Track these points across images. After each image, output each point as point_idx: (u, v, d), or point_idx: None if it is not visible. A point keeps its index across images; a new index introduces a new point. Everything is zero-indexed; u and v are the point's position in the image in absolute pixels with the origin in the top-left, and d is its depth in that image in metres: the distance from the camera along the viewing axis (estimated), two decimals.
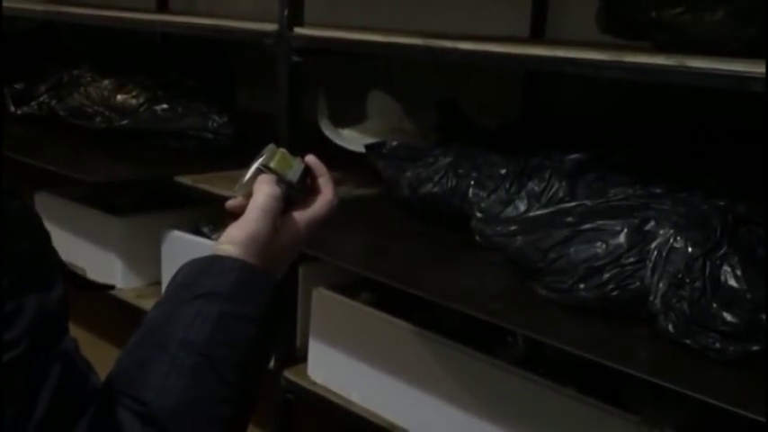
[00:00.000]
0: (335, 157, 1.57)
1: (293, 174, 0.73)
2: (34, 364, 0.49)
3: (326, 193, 0.75)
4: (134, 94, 1.80)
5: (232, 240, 0.66)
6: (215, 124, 1.74)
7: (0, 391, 0.47)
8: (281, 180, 0.71)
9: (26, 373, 0.49)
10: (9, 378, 0.48)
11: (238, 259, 0.64)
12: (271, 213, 0.68)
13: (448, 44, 1.09)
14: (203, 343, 0.58)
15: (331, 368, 1.35)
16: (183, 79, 1.81)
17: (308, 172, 0.75)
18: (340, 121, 1.54)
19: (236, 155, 1.77)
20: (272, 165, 0.71)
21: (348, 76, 1.66)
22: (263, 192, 0.69)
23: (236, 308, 0.61)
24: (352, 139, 1.49)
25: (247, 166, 0.72)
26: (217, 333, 0.59)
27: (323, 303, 1.36)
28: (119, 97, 1.82)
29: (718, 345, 0.84)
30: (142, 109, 1.79)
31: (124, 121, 1.80)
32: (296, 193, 0.73)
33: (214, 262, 0.64)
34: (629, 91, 1.32)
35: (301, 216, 0.73)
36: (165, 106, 1.77)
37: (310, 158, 0.76)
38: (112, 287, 1.63)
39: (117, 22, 1.68)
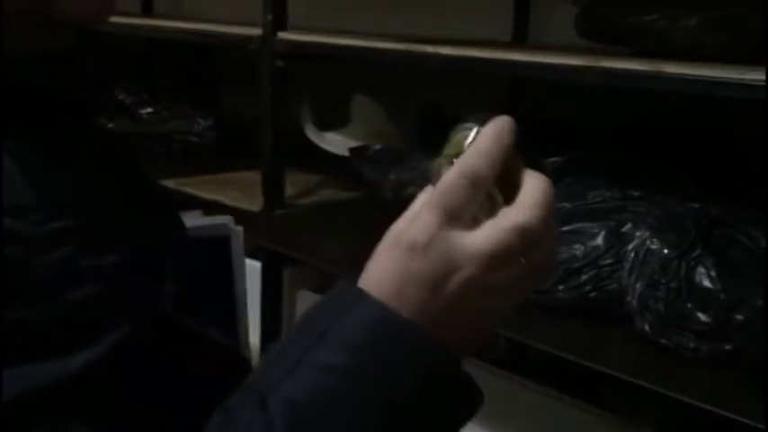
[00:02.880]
0: (320, 161, 1.59)
1: None
2: None
3: (532, 177, 0.45)
4: (119, 97, 1.81)
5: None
6: (200, 127, 1.75)
7: None
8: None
9: None
10: None
11: (377, 301, 0.43)
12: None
13: (429, 49, 1.11)
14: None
15: None
16: (168, 83, 1.82)
17: None
18: (324, 125, 1.56)
19: (222, 158, 1.79)
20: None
21: (332, 80, 1.68)
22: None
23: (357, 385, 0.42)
24: (336, 143, 1.50)
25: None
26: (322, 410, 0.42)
27: (308, 306, 1.37)
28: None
29: (692, 344, 0.86)
30: (127, 113, 1.79)
31: (109, 125, 1.81)
32: None
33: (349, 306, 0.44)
34: (611, 95, 1.34)
35: (498, 216, 0.44)
36: (149, 110, 1.78)
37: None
38: None
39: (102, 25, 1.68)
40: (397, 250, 0.44)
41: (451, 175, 0.44)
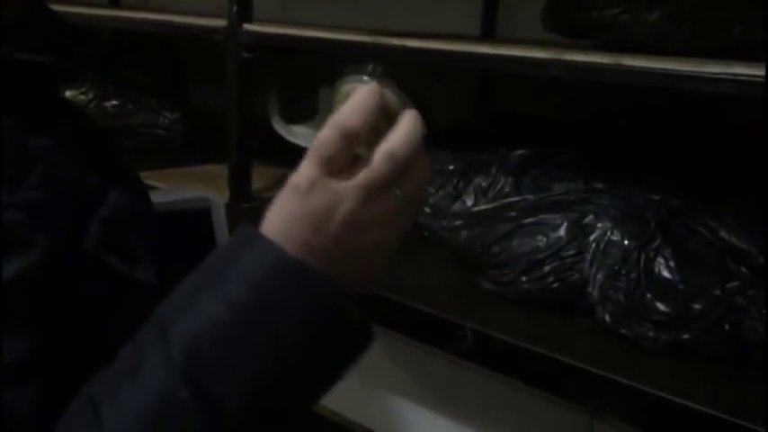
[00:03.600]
0: (287, 154, 1.58)
1: None
2: None
3: (408, 115, 0.49)
4: (83, 90, 1.78)
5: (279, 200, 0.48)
6: (166, 121, 1.73)
7: None
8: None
9: None
10: None
11: (274, 244, 0.47)
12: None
13: (395, 41, 1.11)
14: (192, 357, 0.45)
15: None
16: (134, 75, 1.79)
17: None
18: (291, 118, 1.54)
19: (188, 152, 1.77)
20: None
21: (299, 72, 1.67)
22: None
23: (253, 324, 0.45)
24: (304, 136, 1.48)
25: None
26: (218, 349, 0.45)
27: None
28: (67, 93, 1.79)
29: (651, 333, 0.87)
30: (92, 105, 1.76)
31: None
32: None
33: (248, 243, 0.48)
34: (576, 91, 1.35)
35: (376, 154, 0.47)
36: (114, 102, 1.76)
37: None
38: None
39: (66, 17, 1.65)
40: (284, 195, 0.49)
41: (326, 129, 0.48)
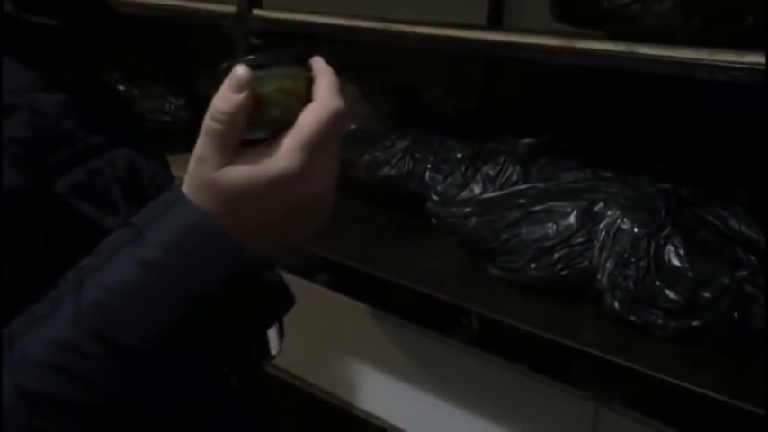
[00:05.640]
0: None
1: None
2: None
3: (319, 94, 0.49)
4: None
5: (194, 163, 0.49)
6: (172, 107, 1.72)
7: None
8: (255, 64, 0.48)
9: None
10: None
11: (195, 208, 0.48)
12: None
13: (406, 28, 1.11)
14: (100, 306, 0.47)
15: (287, 350, 1.36)
16: (140, 61, 1.79)
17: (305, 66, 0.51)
18: None
19: (194, 138, 1.76)
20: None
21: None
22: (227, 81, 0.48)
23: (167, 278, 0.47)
24: None
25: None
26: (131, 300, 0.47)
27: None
28: None
29: (660, 321, 0.88)
30: None
31: None
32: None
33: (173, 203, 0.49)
34: (583, 80, 1.36)
35: (287, 136, 0.48)
36: (121, 88, 1.75)
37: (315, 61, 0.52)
38: None
39: None
40: (196, 168, 0.49)
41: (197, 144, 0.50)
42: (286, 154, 0.48)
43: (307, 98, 0.50)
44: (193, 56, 1.87)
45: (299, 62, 0.51)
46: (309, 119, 0.48)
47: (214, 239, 0.48)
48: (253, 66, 0.48)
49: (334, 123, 0.49)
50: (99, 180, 0.58)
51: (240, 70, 0.48)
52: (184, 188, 0.49)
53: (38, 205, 0.54)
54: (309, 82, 0.50)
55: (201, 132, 0.49)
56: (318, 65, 0.51)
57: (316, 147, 0.48)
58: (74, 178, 0.56)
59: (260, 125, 0.49)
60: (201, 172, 0.48)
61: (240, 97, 0.47)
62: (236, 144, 0.48)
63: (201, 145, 0.48)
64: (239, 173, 0.48)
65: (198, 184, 0.48)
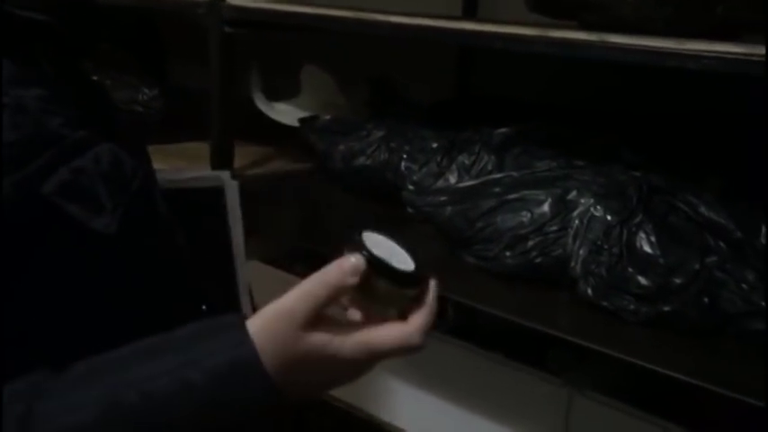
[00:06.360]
0: (269, 133, 1.58)
1: (397, 261, 0.56)
2: None
3: (410, 325, 0.55)
4: None
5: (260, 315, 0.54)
6: (145, 97, 1.71)
7: None
8: (375, 261, 0.54)
9: None
10: None
11: (252, 346, 0.52)
12: (328, 290, 0.53)
13: (379, 17, 1.11)
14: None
15: None
16: (113, 51, 1.77)
17: (418, 283, 0.56)
18: (274, 96, 1.54)
19: (168, 129, 1.75)
20: (375, 251, 0.55)
21: (282, 49, 1.66)
22: (344, 262, 0.54)
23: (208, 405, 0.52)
24: (286, 113, 1.49)
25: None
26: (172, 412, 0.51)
27: (257, 276, 1.37)
28: None
29: (632, 306, 0.89)
30: None
31: None
32: (392, 288, 0.54)
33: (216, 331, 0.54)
34: (557, 71, 1.37)
35: (363, 333, 0.54)
36: (93, 78, 1.73)
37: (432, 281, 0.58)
38: None
39: None
40: (278, 320, 0.54)
41: (274, 307, 0.55)
42: (356, 349, 0.54)
43: (403, 305, 0.56)
44: (167, 45, 1.85)
45: (413, 277, 0.56)
46: (393, 339, 0.55)
47: (258, 382, 0.52)
48: (372, 259, 0.54)
49: (406, 354, 0.55)
50: (84, 178, 0.57)
51: (359, 260, 0.54)
52: (253, 329, 0.53)
53: (28, 211, 0.54)
54: (412, 299, 0.56)
55: (300, 290, 0.53)
56: (427, 287, 0.57)
57: (382, 358, 0.55)
58: (60, 178, 0.55)
59: (353, 305, 0.56)
60: (286, 324, 0.53)
61: (352, 281, 0.54)
62: (324, 312, 0.54)
63: (296, 300, 0.53)
64: (320, 339, 0.53)
65: (275, 331, 0.53)
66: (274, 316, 0.53)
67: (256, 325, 0.53)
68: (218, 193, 0.85)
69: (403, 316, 0.56)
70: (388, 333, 0.55)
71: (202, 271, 0.67)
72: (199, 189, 0.83)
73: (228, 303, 0.78)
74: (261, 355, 0.52)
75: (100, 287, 0.58)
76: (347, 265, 0.54)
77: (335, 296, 0.54)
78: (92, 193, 0.57)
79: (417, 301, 0.56)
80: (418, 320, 0.55)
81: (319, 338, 0.53)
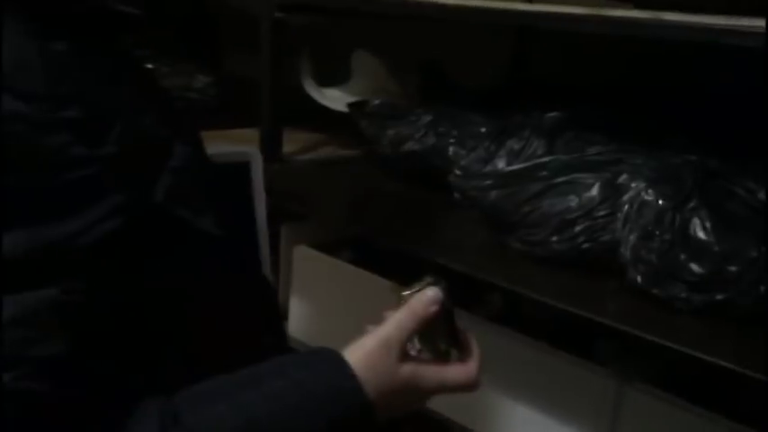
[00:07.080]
0: (320, 120, 1.58)
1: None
2: None
3: (471, 366, 0.68)
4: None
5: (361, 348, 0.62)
6: (200, 84, 1.73)
7: None
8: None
9: None
10: None
11: (362, 392, 0.59)
12: (415, 321, 0.63)
13: (431, 0, 1.10)
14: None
15: (311, 326, 1.37)
16: (168, 39, 1.80)
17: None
18: (324, 82, 1.54)
19: (222, 115, 1.78)
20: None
21: (333, 35, 1.66)
22: (424, 294, 0.65)
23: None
24: (336, 99, 1.49)
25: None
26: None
27: (304, 261, 1.37)
28: None
29: (684, 294, 0.86)
30: None
31: None
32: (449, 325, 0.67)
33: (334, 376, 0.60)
34: (611, 53, 1.33)
35: (439, 369, 0.65)
36: (148, 66, 1.76)
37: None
38: None
39: None
40: (379, 350, 0.63)
41: (373, 339, 0.63)
42: (434, 383, 0.64)
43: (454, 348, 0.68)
44: (222, 34, 1.88)
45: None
46: (462, 378, 0.66)
47: (360, 408, 0.59)
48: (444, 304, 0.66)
49: (467, 391, 0.67)
50: (183, 179, 0.57)
51: (436, 292, 0.65)
52: (353, 359, 0.60)
53: (149, 221, 0.54)
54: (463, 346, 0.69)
55: (393, 322, 0.63)
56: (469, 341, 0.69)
57: (448, 393, 0.66)
58: (165, 183, 0.56)
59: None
60: (385, 355, 0.61)
61: (433, 309, 0.64)
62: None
63: (392, 331, 0.62)
64: (410, 371, 0.62)
65: (374, 362, 0.60)
66: (373, 348, 0.61)
67: (357, 356, 0.60)
68: (245, 168, 0.87)
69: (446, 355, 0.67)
70: (458, 372, 0.65)
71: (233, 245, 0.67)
72: (226, 164, 0.85)
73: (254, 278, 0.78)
74: (364, 385, 0.59)
75: (203, 284, 0.59)
76: (427, 297, 0.63)
77: (420, 327, 0.63)
78: (191, 194, 0.58)
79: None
80: (475, 364, 0.67)
81: (409, 370, 0.62)
